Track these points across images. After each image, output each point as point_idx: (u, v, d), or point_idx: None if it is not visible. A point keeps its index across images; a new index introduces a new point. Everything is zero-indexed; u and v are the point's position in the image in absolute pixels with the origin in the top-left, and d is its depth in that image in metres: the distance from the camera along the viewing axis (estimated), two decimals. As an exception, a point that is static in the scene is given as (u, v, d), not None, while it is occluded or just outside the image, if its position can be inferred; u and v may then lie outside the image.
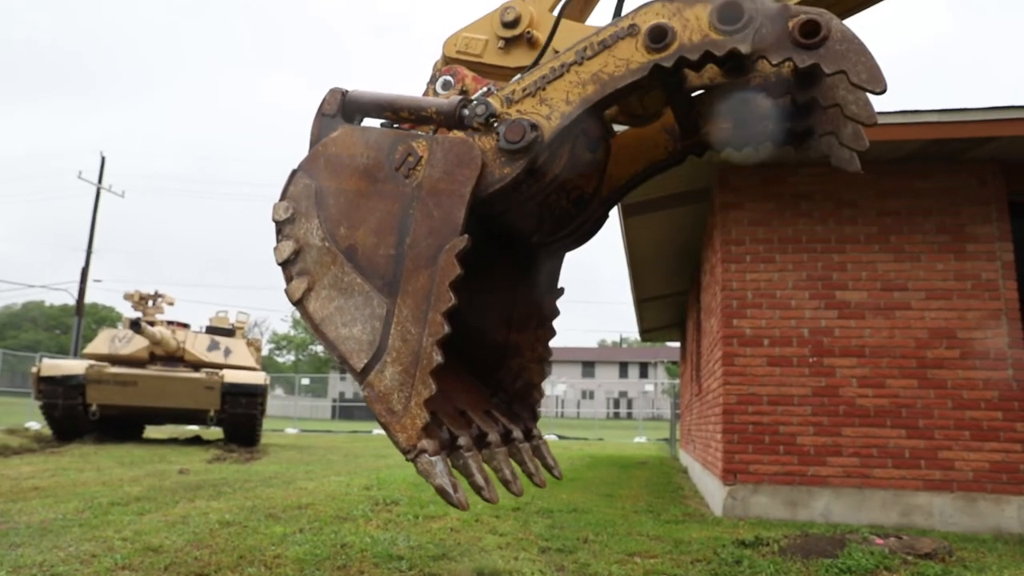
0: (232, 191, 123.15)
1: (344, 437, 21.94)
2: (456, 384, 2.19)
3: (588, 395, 67.14)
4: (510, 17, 2.21)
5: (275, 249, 1.91)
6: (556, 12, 2.32)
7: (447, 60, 2.33)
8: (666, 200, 7.80)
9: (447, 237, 1.77)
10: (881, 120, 5.82)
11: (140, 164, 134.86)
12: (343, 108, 2.01)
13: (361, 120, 2.05)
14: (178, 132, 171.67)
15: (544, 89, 1.87)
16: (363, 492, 6.92)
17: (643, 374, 69.36)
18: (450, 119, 1.92)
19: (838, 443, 6.07)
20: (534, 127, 1.83)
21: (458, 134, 1.90)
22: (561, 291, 2.41)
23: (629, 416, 59.80)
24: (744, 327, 6.40)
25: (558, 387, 54.77)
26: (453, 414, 2.02)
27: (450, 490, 1.71)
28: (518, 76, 1.96)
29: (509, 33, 2.22)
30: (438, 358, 1.70)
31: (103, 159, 33.38)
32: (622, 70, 1.80)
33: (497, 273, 2.40)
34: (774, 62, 1.73)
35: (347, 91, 2.03)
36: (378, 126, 2.05)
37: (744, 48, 1.71)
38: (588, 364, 71.73)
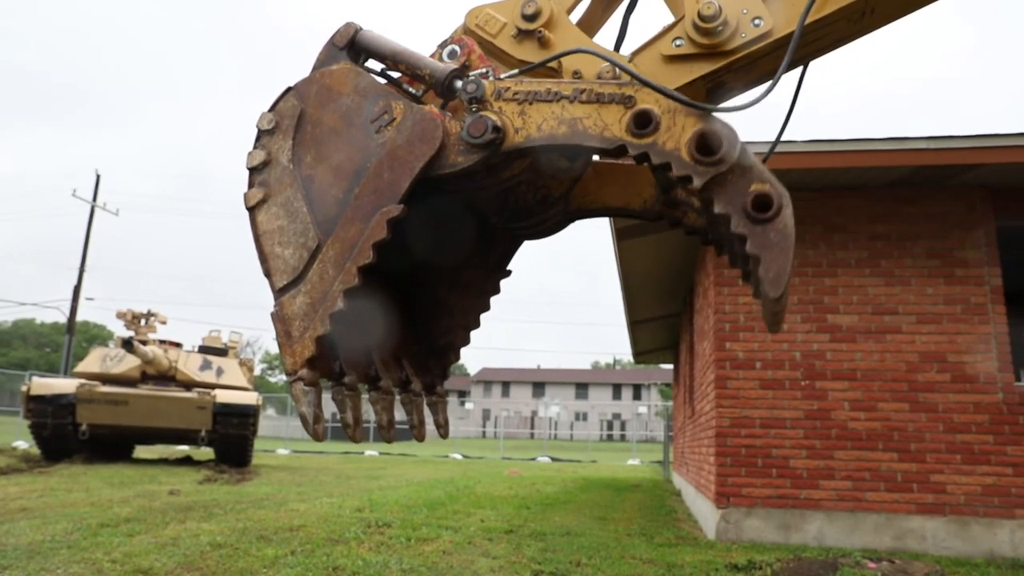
0: (224, 211, 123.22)
1: (336, 458, 21.78)
2: (385, 324, 2.26)
3: (581, 417, 66.87)
4: (530, 10, 2.15)
5: (248, 153, 2.00)
6: (573, 18, 2.31)
7: (466, 30, 2.32)
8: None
9: (387, 201, 1.85)
10: (871, 146, 5.93)
11: (132, 185, 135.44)
12: (351, 44, 2.05)
13: (365, 60, 2.08)
14: (169, 154, 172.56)
15: (531, 104, 1.86)
16: (355, 514, 6.88)
17: (636, 396, 69.17)
18: (438, 85, 1.93)
19: (830, 466, 6.08)
20: (496, 130, 1.82)
21: (434, 109, 1.93)
22: (508, 273, 2.47)
23: (622, 438, 59.53)
24: (737, 350, 6.44)
25: (551, 408, 54.59)
26: (357, 352, 2.08)
27: (310, 419, 1.82)
28: (518, 71, 1.96)
29: (526, 25, 2.20)
30: (341, 305, 1.80)
31: (98, 177, 33.34)
32: (596, 131, 1.78)
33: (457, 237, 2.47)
34: (715, 210, 1.68)
35: (361, 29, 2.07)
36: (379, 70, 2.08)
37: (696, 183, 1.67)
38: (581, 386, 71.56)
